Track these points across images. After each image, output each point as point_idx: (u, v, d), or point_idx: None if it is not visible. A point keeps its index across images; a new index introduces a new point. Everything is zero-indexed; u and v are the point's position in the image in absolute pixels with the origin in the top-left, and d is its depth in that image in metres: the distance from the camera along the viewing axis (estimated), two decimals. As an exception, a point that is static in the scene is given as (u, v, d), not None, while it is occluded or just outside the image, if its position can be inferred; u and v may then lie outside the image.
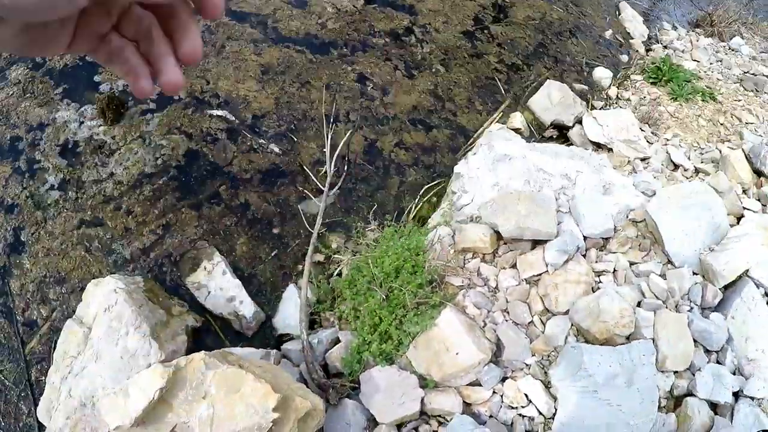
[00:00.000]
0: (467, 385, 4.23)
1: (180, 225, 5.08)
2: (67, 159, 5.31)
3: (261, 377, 3.66)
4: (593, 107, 7.11)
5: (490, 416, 4.15)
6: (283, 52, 6.46)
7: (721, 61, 8.89)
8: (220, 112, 5.77)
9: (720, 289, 4.75)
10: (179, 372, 3.65)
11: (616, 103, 7.35)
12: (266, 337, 4.84)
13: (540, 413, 4.12)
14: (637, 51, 8.51)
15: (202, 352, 3.77)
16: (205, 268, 4.87)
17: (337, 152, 5.46)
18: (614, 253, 4.86)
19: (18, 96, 5.75)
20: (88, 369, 4.17)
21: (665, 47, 8.97)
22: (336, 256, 5.14)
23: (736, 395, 4.44)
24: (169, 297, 4.76)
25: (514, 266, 4.75)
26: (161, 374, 3.55)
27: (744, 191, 6.01)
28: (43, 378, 4.45)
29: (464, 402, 4.17)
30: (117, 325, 4.23)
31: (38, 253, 4.89)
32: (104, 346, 4.18)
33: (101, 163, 5.30)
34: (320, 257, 5.17)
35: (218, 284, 4.81)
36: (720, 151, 6.44)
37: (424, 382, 4.22)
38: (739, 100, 7.71)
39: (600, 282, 4.65)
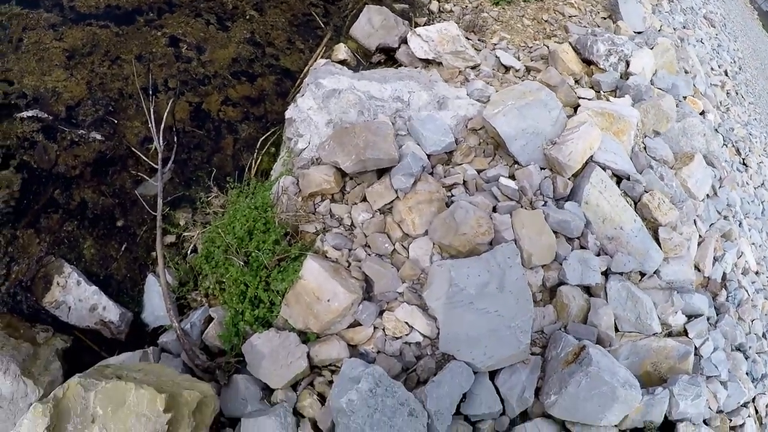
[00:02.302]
0: (348, 328, 4.48)
1: (22, 249, 4.91)
2: None
3: (143, 382, 3.71)
4: (417, 24, 7.40)
5: (378, 352, 4.43)
6: (86, 31, 6.21)
7: (536, -43, 9.50)
8: (30, 113, 5.54)
9: (569, 178, 5.25)
10: (60, 404, 3.62)
11: (439, 16, 7.73)
12: (140, 335, 4.86)
13: (424, 336, 4.45)
14: (452, -41, 8.91)
15: (76, 375, 3.75)
16: (58, 284, 4.78)
17: (162, 125, 5.43)
18: (460, 164, 5.24)
19: None
20: (-26, 434, 4.06)
21: (480, -48, 9.46)
22: (186, 233, 5.20)
23: (606, 274, 5.01)
24: (31, 325, 4.63)
25: (364, 200, 5.00)
26: (42, 412, 3.52)
27: (576, 81, 6.59)
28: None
29: (349, 345, 4.42)
30: (-16, 375, 4.14)
31: None
32: (-20, 404, 4.08)
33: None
34: (171, 238, 5.22)
35: (76, 296, 4.76)
36: (547, 47, 6.99)
37: (305, 337, 4.43)
38: (560, -6, 8.33)
39: (452, 196, 5.00)
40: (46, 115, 5.56)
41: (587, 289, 4.92)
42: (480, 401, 4.28)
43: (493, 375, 4.43)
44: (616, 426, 4.31)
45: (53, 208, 5.13)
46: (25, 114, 5.53)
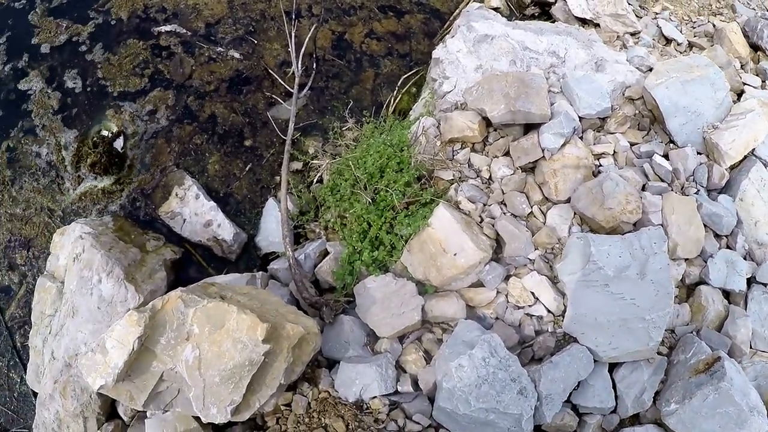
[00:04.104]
0: (469, 287, 4.32)
1: (152, 157, 5.11)
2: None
3: (246, 306, 3.66)
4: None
5: (496, 318, 4.26)
6: (230, -50, 6.24)
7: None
8: (169, 27, 5.69)
9: (726, 169, 4.90)
10: (157, 315, 3.62)
11: (600, -25, 7.35)
12: (251, 258, 4.94)
13: (548, 311, 4.26)
14: None
15: (179, 289, 3.75)
16: (176, 195, 4.90)
17: (303, 50, 5.44)
18: (613, 133, 4.95)
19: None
20: (67, 326, 4.16)
21: None
22: (314, 161, 5.19)
23: (748, 282, 4.65)
24: (143, 232, 4.76)
25: (507, 154, 4.79)
26: (137, 321, 3.52)
27: (742, 66, 6.17)
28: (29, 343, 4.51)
29: (467, 305, 4.28)
30: (88, 273, 4.19)
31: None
32: (79, 299, 4.17)
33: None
34: (298, 165, 5.22)
35: (192, 210, 4.85)
36: (714, 25, 6.56)
37: (423, 288, 4.30)
38: (729, -29, 7.84)
39: (600, 165, 4.73)
40: (184, 31, 5.71)
41: (726, 295, 4.61)
42: (593, 393, 4.07)
43: (611, 368, 4.20)
44: (729, 453, 4.00)
45: (188, 120, 5.28)
46: (163, 28, 5.69)
